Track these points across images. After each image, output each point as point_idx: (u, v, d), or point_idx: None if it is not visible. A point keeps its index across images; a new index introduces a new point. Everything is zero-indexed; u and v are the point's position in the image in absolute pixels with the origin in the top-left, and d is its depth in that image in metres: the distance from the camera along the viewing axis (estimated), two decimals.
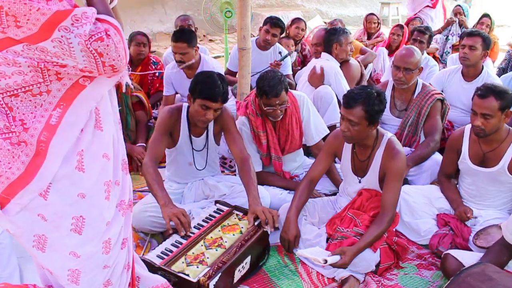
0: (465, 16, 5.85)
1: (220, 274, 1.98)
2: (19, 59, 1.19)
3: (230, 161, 3.52)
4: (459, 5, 6.01)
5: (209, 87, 2.45)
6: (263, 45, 4.31)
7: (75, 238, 1.40)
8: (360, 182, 2.50)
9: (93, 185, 1.40)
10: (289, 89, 2.82)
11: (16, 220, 1.35)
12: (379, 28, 5.97)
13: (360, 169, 2.49)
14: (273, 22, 4.23)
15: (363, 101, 2.25)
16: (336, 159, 2.69)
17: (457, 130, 2.70)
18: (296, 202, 2.45)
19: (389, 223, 2.28)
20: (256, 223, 2.30)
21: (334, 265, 2.14)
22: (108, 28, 1.23)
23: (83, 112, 1.33)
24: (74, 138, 1.32)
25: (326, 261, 2.09)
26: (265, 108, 2.73)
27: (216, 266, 2.01)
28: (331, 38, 3.71)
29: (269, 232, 2.34)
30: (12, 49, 1.19)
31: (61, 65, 1.22)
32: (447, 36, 5.81)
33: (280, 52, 4.38)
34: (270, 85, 2.64)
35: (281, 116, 2.80)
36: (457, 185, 2.75)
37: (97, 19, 1.23)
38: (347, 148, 2.53)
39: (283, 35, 4.67)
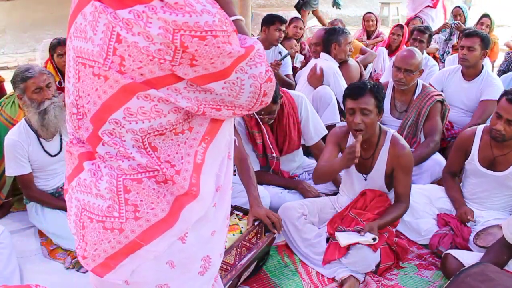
0: (464, 17, 5.84)
1: (231, 281, 1.99)
2: (181, 102, 1.05)
3: None
4: (459, 7, 6.00)
5: None
6: (272, 44, 4.32)
7: (198, 281, 1.25)
8: (366, 179, 2.49)
9: (222, 221, 1.28)
10: (286, 90, 2.81)
11: (137, 272, 1.17)
12: (378, 26, 5.97)
13: (363, 166, 2.49)
14: (281, 19, 4.26)
15: (371, 88, 2.30)
16: None
17: (468, 130, 2.67)
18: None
19: (405, 209, 2.39)
20: (256, 223, 2.30)
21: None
22: (269, 67, 1.13)
23: (223, 145, 1.21)
24: (215, 176, 1.20)
25: (375, 239, 2.20)
26: (251, 113, 2.72)
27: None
28: (330, 38, 3.71)
29: (275, 236, 2.35)
30: (173, 87, 1.04)
31: (217, 109, 1.10)
32: (449, 37, 5.81)
33: (280, 52, 4.38)
34: None
35: (270, 122, 2.80)
36: (461, 184, 2.74)
37: None
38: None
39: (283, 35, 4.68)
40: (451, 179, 2.73)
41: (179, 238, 1.16)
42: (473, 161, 2.57)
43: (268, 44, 4.33)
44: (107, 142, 1.09)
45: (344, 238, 2.24)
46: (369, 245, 2.21)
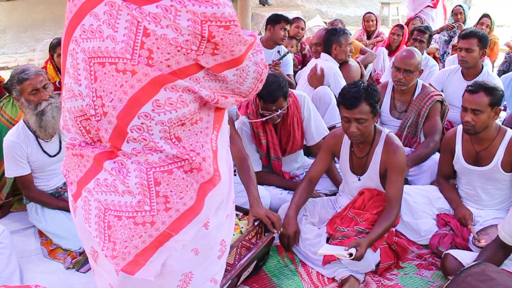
0: (464, 16, 5.84)
1: (230, 280, 1.99)
2: (202, 92, 1.12)
3: None
4: (460, 5, 6.00)
5: None
6: (277, 43, 4.34)
7: (217, 265, 1.31)
8: (359, 180, 2.50)
9: (232, 204, 1.34)
10: (290, 89, 2.81)
11: (166, 262, 1.19)
12: (378, 26, 5.96)
13: (358, 167, 2.49)
14: (287, 19, 4.30)
15: (365, 96, 2.26)
16: (336, 159, 2.69)
17: (450, 131, 2.72)
18: (296, 200, 2.47)
19: (396, 216, 2.31)
20: (256, 223, 2.30)
21: (352, 259, 2.13)
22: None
23: (226, 132, 1.30)
24: (225, 160, 1.27)
25: (351, 255, 2.10)
26: (261, 112, 2.73)
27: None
28: (330, 38, 3.71)
29: (275, 236, 2.35)
30: (194, 77, 1.10)
31: (225, 96, 1.18)
32: (449, 39, 5.81)
33: (279, 51, 4.38)
34: (268, 91, 2.61)
35: (278, 120, 2.80)
36: (456, 187, 2.75)
37: None
38: (345, 147, 2.53)
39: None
40: (445, 182, 2.74)
41: (204, 225, 1.20)
42: (459, 160, 2.59)
43: (272, 43, 4.35)
44: (135, 137, 1.10)
45: (324, 248, 2.22)
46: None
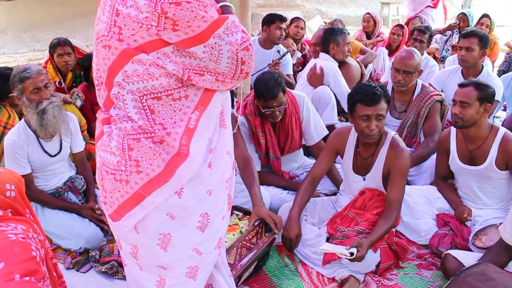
0: (468, 24, 5.80)
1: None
2: (168, 66, 1.25)
3: None
4: (464, 13, 5.96)
5: None
6: (274, 42, 4.31)
7: (198, 236, 1.43)
8: (364, 180, 2.49)
9: (219, 182, 1.45)
10: (288, 89, 2.81)
11: (143, 221, 1.38)
12: (377, 27, 5.95)
13: (362, 167, 2.49)
14: (282, 18, 4.27)
15: (384, 93, 2.30)
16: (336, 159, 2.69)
17: (445, 131, 2.73)
18: (299, 201, 2.46)
19: (396, 218, 2.31)
20: (256, 224, 2.30)
21: (353, 259, 2.13)
22: (249, 37, 1.30)
23: (215, 114, 1.39)
24: (208, 140, 1.38)
25: (352, 254, 2.10)
26: (263, 110, 2.73)
27: None
28: (328, 38, 3.70)
29: (275, 236, 2.35)
30: (162, 51, 1.25)
31: (200, 74, 1.28)
32: (450, 37, 5.80)
33: (278, 51, 4.38)
34: (267, 88, 2.63)
35: (280, 117, 2.80)
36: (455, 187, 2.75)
37: None
38: (350, 146, 2.52)
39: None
40: (443, 182, 2.74)
41: (176, 193, 1.36)
42: (454, 160, 2.60)
43: (270, 43, 4.33)
44: (116, 105, 1.31)
45: (325, 245, 2.22)
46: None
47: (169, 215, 1.38)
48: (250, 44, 1.29)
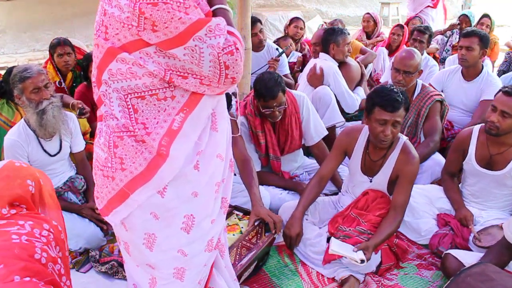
0: (470, 24, 5.79)
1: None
2: (150, 66, 1.25)
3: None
4: (466, 15, 5.96)
5: None
6: (258, 47, 4.23)
7: (183, 237, 1.42)
8: (371, 181, 2.49)
9: (206, 185, 1.42)
10: (288, 89, 2.81)
11: (129, 218, 1.40)
12: (377, 27, 5.94)
13: (370, 169, 2.48)
14: (253, 21, 3.99)
15: (405, 101, 2.28)
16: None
17: (465, 130, 2.67)
18: (304, 200, 2.46)
19: (400, 223, 2.31)
20: (256, 224, 2.30)
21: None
22: (236, 42, 1.26)
23: (203, 117, 1.36)
24: (193, 142, 1.35)
25: (363, 261, 2.10)
26: (263, 110, 2.73)
27: None
28: (328, 38, 3.70)
29: (275, 236, 2.35)
30: (144, 50, 1.25)
31: (184, 76, 1.26)
32: (450, 37, 5.80)
33: (277, 49, 4.36)
34: (267, 87, 2.63)
35: (280, 117, 2.80)
36: (460, 184, 2.74)
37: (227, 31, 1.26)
38: (360, 147, 2.51)
39: (281, 35, 4.64)
40: (450, 180, 2.73)
41: (159, 192, 1.35)
42: (470, 161, 2.57)
43: (255, 48, 4.13)
44: (104, 102, 1.34)
45: (336, 246, 2.22)
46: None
47: (152, 215, 1.38)
48: (237, 49, 1.25)
